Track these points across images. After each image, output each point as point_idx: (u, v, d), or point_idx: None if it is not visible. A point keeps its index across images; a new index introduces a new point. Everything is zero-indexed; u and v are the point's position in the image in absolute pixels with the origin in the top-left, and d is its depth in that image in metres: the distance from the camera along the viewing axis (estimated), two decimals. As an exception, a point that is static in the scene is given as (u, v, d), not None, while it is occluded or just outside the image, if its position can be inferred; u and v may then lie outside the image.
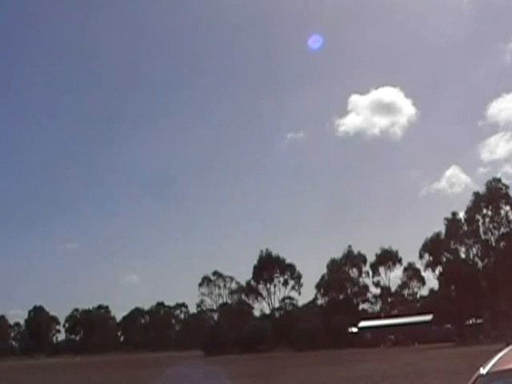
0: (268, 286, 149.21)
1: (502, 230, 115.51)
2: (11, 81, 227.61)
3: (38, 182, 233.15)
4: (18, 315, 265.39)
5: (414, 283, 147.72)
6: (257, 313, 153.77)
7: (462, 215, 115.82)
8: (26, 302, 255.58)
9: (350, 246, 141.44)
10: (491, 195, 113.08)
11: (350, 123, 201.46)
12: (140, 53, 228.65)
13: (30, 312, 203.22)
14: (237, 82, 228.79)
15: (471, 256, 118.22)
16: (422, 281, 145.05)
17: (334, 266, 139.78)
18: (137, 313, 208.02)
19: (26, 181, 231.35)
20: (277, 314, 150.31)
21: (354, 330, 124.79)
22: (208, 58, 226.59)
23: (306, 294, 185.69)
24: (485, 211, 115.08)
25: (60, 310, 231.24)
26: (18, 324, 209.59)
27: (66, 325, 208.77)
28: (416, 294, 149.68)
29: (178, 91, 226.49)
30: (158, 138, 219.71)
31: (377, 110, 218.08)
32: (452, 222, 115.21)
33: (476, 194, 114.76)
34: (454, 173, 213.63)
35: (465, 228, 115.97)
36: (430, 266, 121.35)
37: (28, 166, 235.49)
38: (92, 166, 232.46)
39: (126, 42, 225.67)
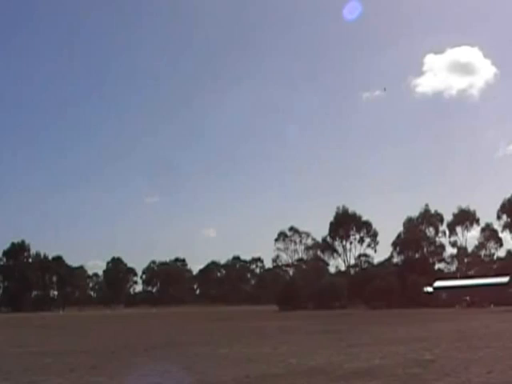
0: (344, 242, 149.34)
1: None
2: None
3: (119, 139, 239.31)
4: (96, 266, 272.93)
5: (491, 244, 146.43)
6: (332, 269, 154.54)
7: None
8: (104, 253, 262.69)
9: (426, 205, 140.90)
10: None
11: (426, 84, 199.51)
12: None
13: (108, 263, 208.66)
14: (315, 43, 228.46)
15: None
16: (500, 242, 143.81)
17: (411, 224, 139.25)
18: (213, 266, 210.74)
19: (108, 138, 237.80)
20: (352, 271, 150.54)
21: (429, 289, 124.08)
22: (287, 22, 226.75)
23: (381, 252, 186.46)
24: None
25: (137, 262, 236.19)
26: (96, 274, 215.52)
27: (143, 276, 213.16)
28: (493, 255, 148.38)
29: (264, 54, 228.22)
30: (245, 97, 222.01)
31: (454, 70, 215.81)
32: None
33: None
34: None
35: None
36: (508, 227, 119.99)
37: (113, 126, 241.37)
38: (174, 125, 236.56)
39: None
